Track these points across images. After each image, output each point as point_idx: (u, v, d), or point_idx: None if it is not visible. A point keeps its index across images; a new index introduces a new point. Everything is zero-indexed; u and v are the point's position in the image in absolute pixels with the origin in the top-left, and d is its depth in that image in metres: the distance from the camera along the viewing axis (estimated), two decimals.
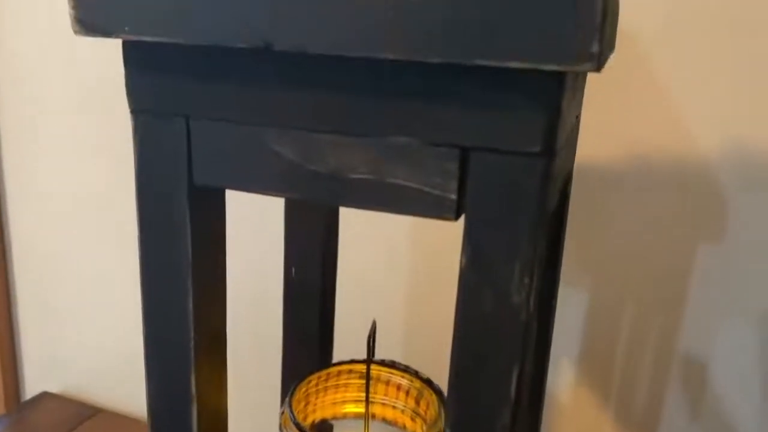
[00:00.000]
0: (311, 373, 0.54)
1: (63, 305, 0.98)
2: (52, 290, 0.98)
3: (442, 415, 0.49)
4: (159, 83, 0.36)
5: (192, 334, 0.39)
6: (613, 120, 0.64)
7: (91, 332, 0.98)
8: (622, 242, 0.67)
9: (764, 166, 0.62)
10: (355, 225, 0.74)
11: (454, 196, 0.33)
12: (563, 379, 0.73)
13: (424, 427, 0.53)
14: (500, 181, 0.32)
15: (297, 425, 0.47)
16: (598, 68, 0.27)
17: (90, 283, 0.95)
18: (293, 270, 0.59)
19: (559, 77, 0.30)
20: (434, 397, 0.51)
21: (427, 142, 0.33)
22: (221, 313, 0.42)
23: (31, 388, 1.04)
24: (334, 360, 0.59)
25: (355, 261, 0.75)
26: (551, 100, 0.30)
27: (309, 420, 0.54)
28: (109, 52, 0.80)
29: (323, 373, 0.54)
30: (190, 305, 0.39)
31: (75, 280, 0.96)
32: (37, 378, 1.03)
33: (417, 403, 0.54)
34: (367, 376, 0.53)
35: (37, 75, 0.89)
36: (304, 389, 0.53)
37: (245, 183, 0.37)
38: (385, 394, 0.55)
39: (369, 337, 0.53)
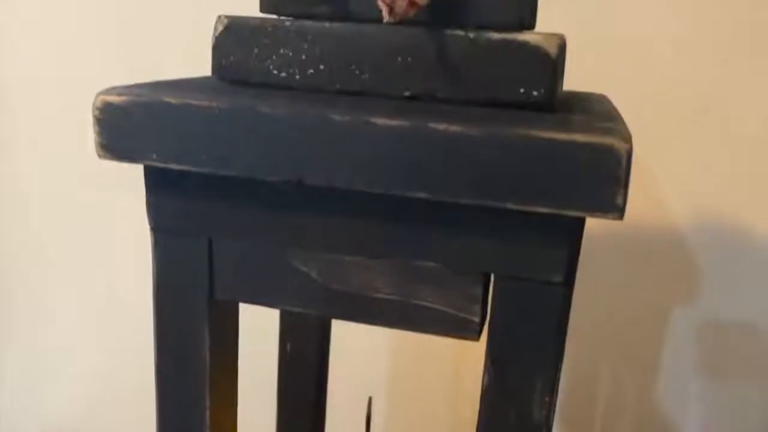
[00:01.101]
0: None
1: (42, 352, 0.95)
2: (31, 335, 0.95)
3: None
4: (182, 205, 0.36)
5: None
6: None
7: (70, 378, 0.95)
8: (597, 308, 0.70)
9: (728, 234, 0.66)
10: None
11: (477, 319, 0.34)
12: None
13: None
14: (523, 307, 0.33)
15: None
16: (621, 217, 0.29)
17: (70, 327, 0.93)
18: (288, 345, 0.59)
19: (582, 218, 0.32)
20: None
21: (451, 268, 0.34)
22: (233, 415, 0.42)
23: None
24: None
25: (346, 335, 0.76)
26: (573, 236, 0.32)
27: None
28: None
29: None
30: (207, 413, 0.39)
31: (55, 323, 0.94)
32: (15, 425, 1.00)
33: None
34: None
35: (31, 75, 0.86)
36: None
37: (266, 299, 0.37)
38: None
39: (367, 415, 0.53)
